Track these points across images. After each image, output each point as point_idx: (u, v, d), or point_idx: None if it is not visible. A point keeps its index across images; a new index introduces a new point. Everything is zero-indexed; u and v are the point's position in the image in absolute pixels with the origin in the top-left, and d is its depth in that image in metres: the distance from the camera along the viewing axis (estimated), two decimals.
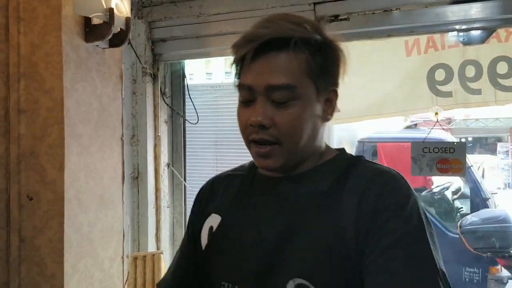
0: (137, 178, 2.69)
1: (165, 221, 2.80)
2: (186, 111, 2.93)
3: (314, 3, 2.31)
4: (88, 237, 1.89)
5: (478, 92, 2.80)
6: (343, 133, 5.11)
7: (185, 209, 2.92)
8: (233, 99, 0.91)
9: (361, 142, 5.52)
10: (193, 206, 1.03)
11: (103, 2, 1.86)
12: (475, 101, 2.82)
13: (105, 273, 1.97)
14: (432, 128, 2.66)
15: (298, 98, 0.82)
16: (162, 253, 2.38)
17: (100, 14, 1.85)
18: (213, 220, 0.93)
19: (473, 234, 4.18)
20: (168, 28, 2.64)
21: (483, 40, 2.51)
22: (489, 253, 4.06)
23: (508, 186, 13.57)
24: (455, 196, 5.89)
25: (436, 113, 2.38)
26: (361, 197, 0.80)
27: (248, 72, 0.83)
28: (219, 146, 3.29)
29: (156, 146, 2.77)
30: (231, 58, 0.88)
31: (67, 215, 1.78)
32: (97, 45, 1.97)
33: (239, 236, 0.88)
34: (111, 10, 1.87)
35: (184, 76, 2.89)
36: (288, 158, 0.85)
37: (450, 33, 2.61)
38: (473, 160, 6.67)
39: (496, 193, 7.02)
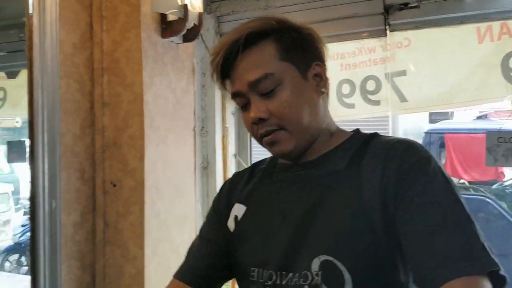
0: (206, 168, 2.80)
1: None
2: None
3: None
4: (165, 223, 2.00)
5: None
6: (409, 125, 4.99)
7: None
8: None
9: (428, 134, 5.36)
10: (214, 202, 1.07)
11: None
12: None
13: (180, 258, 2.07)
14: (508, 118, 2.54)
15: (281, 82, 0.86)
16: None
17: (176, 10, 1.94)
18: (238, 210, 0.97)
19: None
20: (236, 22, 2.70)
21: None
22: None
23: None
24: None
25: None
26: (383, 165, 0.82)
27: (231, 82, 0.90)
28: None
29: (224, 137, 2.86)
30: None
31: (147, 202, 1.89)
32: (172, 41, 2.06)
33: (264, 222, 0.91)
34: (185, 7, 1.95)
35: None
36: (298, 139, 0.88)
37: None
38: None
39: None
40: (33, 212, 1.80)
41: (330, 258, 0.79)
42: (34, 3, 1.73)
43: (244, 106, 0.90)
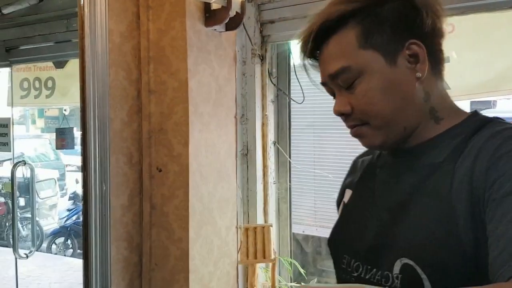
0: (246, 155, 2.84)
1: (272, 196, 2.93)
2: (291, 90, 3.01)
3: None
4: (208, 207, 2.06)
5: None
6: None
7: (289, 186, 3.03)
8: None
9: None
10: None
11: None
12: None
13: (222, 240, 2.14)
14: None
15: (361, 75, 0.78)
16: (271, 225, 2.51)
17: None
18: (347, 195, 0.96)
19: None
20: (277, 9, 2.72)
21: None
22: None
23: None
24: None
25: None
26: (475, 159, 0.71)
27: (320, 70, 0.84)
28: (321, 125, 3.32)
29: (263, 125, 2.89)
30: None
31: (191, 186, 1.96)
32: (215, 29, 2.10)
33: (361, 211, 0.88)
34: None
35: (290, 57, 2.97)
36: (385, 134, 0.81)
37: None
38: None
39: None
40: (85, 195, 1.89)
41: (411, 263, 0.73)
42: None
43: (332, 95, 0.85)
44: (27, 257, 3.43)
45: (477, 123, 0.78)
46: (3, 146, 3.52)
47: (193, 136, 1.97)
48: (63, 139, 3.37)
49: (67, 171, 9.14)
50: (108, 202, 1.88)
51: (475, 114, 0.83)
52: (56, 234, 6.32)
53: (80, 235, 5.25)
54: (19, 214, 6.26)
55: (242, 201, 2.69)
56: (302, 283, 2.67)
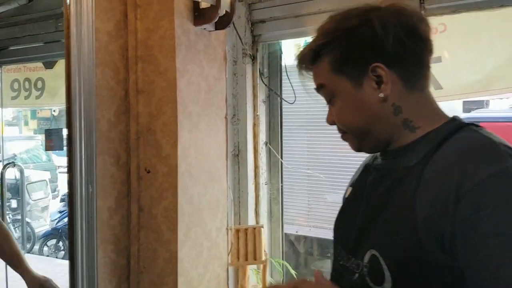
0: (237, 155, 2.82)
1: (263, 197, 2.91)
2: (282, 90, 2.99)
3: None
4: (198, 208, 2.03)
5: None
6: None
7: (281, 186, 3.00)
8: None
9: None
10: None
11: None
12: None
13: (212, 242, 2.11)
14: None
15: (335, 94, 0.90)
16: (262, 226, 2.49)
17: None
18: (348, 191, 1.05)
19: None
20: (267, 9, 2.70)
21: None
22: None
23: None
24: None
25: None
26: (439, 173, 0.77)
27: None
28: (313, 125, 3.30)
29: (255, 125, 2.87)
30: None
31: (180, 187, 1.93)
32: (204, 28, 2.07)
33: (354, 207, 0.96)
34: None
35: (281, 57, 2.94)
36: (361, 141, 0.92)
37: None
38: None
39: None
40: (71, 197, 1.86)
41: (377, 254, 0.82)
42: None
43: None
44: None
45: (450, 129, 0.84)
46: None
47: (182, 136, 1.94)
48: (51, 141, 3.32)
49: (59, 172, 9.07)
50: (95, 204, 1.85)
51: (452, 119, 0.88)
52: (47, 236, 6.26)
53: None
54: (11, 216, 6.20)
55: (233, 202, 2.67)
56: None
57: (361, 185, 0.98)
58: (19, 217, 5.98)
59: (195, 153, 2.02)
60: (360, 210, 0.92)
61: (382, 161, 0.94)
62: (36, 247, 6.27)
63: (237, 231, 2.41)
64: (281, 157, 2.99)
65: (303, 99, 3.17)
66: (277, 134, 3.02)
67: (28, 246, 6.07)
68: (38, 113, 11.96)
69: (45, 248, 6.19)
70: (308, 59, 0.92)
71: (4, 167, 3.98)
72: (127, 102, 2.01)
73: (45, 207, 7.16)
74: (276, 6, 2.66)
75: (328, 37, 0.88)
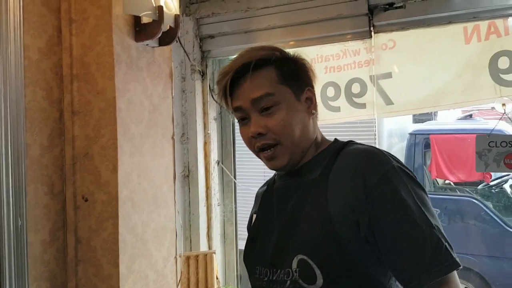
0: (187, 176, 2.69)
1: (216, 219, 2.78)
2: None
3: None
4: (142, 238, 1.88)
5: None
6: (393, 125, 4.93)
7: (235, 207, 2.89)
8: None
9: (413, 135, 5.31)
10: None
11: (152, 0, 1.83)
12: None
13: (158, 274, 1.97)
14: (500, 119, 2.47)
15: (279, 102, 0.99)
16: (214, 252, 2.36)
17: (150, 12, 1.82)
18: (253, 218, 1.13)
19: None
20: (216, 24, 2.60)
21: None
22: None
23: None
24: None
25: (504, 104, 2.21)
26: (349, 181, 0.93)
27: (234, 97, 1.01)
28: None
29: (206, 144, 2.75)
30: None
31: (121, 216, 1.78)
32: (147, 44, 1.95)
33: (264, 227, 1.07)
34: (160, 8, 1.84)
35: None
36: (291, 153, 1.00)
37: None
38: None
39: None
40: None
41: (304, 257, 0.94)
42: None
43: (243, 120, 1.02)
44: None
45: (338, 146, 1.04)
46: None
47: (122, 161, 1.79)
48: None
49: None
50: (25, 238, 1.66)
51: (335, 141, 1.08)
52: None
53: None
54: None
55: (182, 227, 2.53)
56: None
57: (266, 209, 1.09)
58: None
59: (138, 178, 1.87)
60: (272, 228, 1.02)
61: (286, 181, 1.06)
62: None
63: (187, 258, 2.27)
64: (234, 177, 2.88)
65: None
66: (230, 153, 2.91)
67: None
68: None
69: None
70: (251, 67, 0.98)
71: None
72: (62, 124, 1.84)
73: None
74: (225, 21, 2.57)
75: (279, 54, 1.02)
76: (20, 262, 1.65)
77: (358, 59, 2.80)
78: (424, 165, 4.88)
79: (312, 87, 1.06)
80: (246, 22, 2.50)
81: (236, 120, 1.06)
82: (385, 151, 0.98)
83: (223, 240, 2.85)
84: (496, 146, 2.06)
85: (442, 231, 0.90)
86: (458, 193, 4.95)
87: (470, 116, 6.59)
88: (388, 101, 2.83)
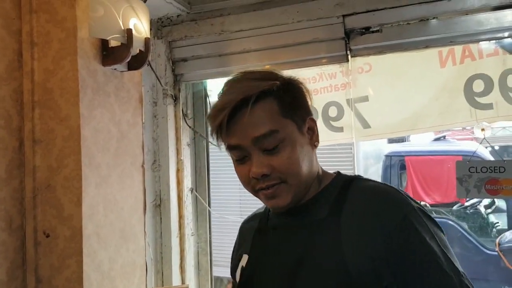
0: (159, 205, 2.56)
1: (189, 250, 2.65)
2: (209, 133, 2.80)
3: (343, 15, 2.17)
4: (109, 275, 1.74)
5: None
6: (368, 147, 4.93)
7: (210, 237, 2.77)
8: None
9: (388, 157, 5.32)
10: (232, 253, 1.12)
11: (121, 23, 1.74)
12: None
13: None
14: (480, 143, 2.45)
15: (284, 139, 0.89)
16: (187, 286, 2.23)
17: (118, 35, 1.73)
18: (244, 260, 1.02)
19: None
20: (189, 47, 2.52)
21: None
22: None
23: None
24: (489, 210, 5.63)
25: (483, 129, 2.19)
26: (359, 221, 0.85)
27: (231, 134, 0.90)
28: None
29: (178, 171, 2.64)
30: None
31: (86, 253, 1.64)
32: (115, 69, 1.85)
33: (262, 273, 0.95)
34: (129, 31, 1.75)
35: (206, 97, 2.77)
36: (296, 192, 0.92)
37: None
38: None
39: None
40: None
41: None
42: None
43: (241, 159, 0.92)
44: None
45: (343, 181, 0.95)
46: None
47: (87, 193, 1.67)
48: None
49: None
50: None
51: (338, 174, 1.00)
52: None
53: None
54: None
55: (153, 261, 2.39)
56: None
57: (261, 250, 0.98)
58: None
59: (104, 210, 1.75)
60: (271, 273, 0.92)
61: (285, 219, 0.95)
62: None
63: None
64: (209, 205, 2.76)
65: None
66: (204, 180, 2.80)
67: None
68: None
69: None
70: (250, 103, 0.87)
71: None
72: (22, 154, 1.71)
73: None
74: (198, 44, 2.50)
75: (276, 79, 0.91)
76: None
77: (335, 82, 2.78)
78: (400, 186, 4.88)
79: (312, 114, 0.97)
80: (220, 45, 2.44)
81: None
82: (401, 190, 0.91)
83: (197, 272, 2.71)
84: (476, 172, 2.03)
85: (467, 277, 0.84)
86: (435, 214, 4.95)
87: (444, 137, 6.68)
88: (366, 125, 2.81)
